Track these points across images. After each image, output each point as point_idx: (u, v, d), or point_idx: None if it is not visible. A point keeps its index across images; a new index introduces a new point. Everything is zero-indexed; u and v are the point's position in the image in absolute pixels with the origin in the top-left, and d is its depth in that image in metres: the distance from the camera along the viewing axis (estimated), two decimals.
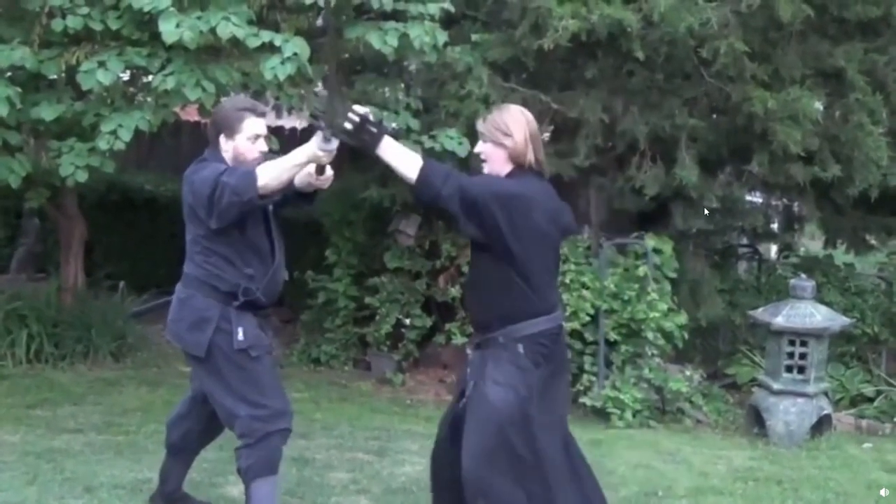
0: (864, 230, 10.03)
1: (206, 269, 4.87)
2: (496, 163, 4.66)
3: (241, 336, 4.83)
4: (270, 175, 4.60)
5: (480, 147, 4.71)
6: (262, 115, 4.92)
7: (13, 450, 6.49)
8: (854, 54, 8.34)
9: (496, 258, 4.54)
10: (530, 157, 4.62)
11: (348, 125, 4.41)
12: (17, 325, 8.86)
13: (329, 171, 4.78)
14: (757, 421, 8.06)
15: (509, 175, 4.63)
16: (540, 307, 4.58)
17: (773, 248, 11.65)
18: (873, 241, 10.23)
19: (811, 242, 11.64)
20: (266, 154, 4.96)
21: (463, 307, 5.26)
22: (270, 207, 4.97)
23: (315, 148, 4.51)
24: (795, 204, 9.90)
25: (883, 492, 6.41)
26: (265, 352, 4.94)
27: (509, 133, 4.61)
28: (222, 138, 4.88)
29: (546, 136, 9.63)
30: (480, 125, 4.71)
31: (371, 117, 4.48)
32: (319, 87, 8.42)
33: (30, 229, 11.72)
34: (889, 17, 8.37)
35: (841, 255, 10.72)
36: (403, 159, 4.50)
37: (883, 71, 8.48)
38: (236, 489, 5.73)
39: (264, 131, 4.92)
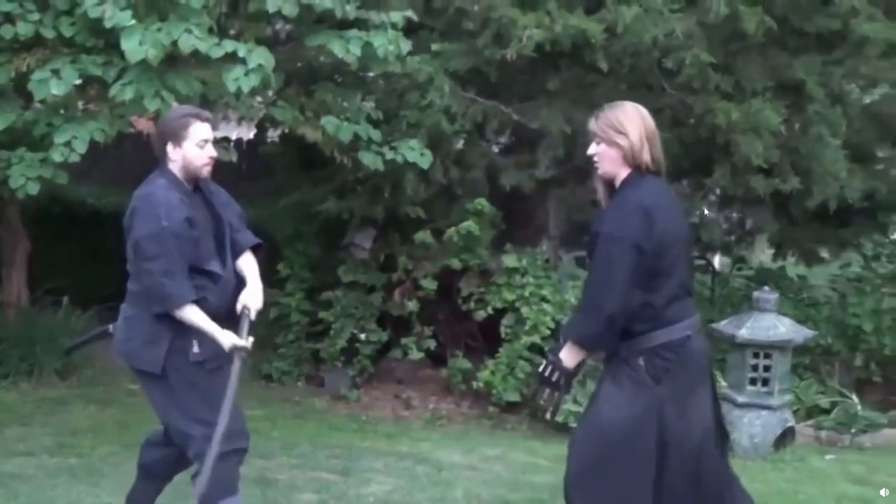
0: (818, 242, 10.03)
1: None
2: (610, 164, 4.35)
3: (196, 349, 4.66)
4: (190, 319, 4.59)
5: (594, 149, 4.39)
6: (207, 120, 4.79)
7: None
8: (813, 67, 8.33)
9: None
10: (646, 157, 4.31)
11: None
12: None
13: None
14: None
15: (626, 180, 4.34)
16: (663, 319, 4.29)
17: (720, 260, 11.60)
18: (825, 254, 10.24)
19: (759, 254, 11.63)
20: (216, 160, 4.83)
21: None
22: (231, 216, 4.90)
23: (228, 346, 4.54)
24: (748, 216, 9.88)
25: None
26: (220, 364, 4.72)
27: (623, 131, 4.30)
28: (170, 147, 4.72)
29: (495, 148, 9.55)
30: (592, 124, 4.40)
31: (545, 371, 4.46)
32: None
33: None
34: (846, 30, 8.34)
35: (792, 268, 10.72)
36: (574, 351, 4.39)
37: (840, 84, 8.49)
38: None
39: (211, 136, 4.77)
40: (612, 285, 4.21)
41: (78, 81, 6.80)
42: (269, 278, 9.31)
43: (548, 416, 4.63)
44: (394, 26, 7.24)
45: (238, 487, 4.83)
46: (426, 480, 6.66)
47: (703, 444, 4.42)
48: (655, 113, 8.13)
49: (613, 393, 4.37)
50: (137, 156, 11.02)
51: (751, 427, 7.74)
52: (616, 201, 4.38)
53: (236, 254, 4.87)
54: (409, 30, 8.10)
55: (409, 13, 7.35)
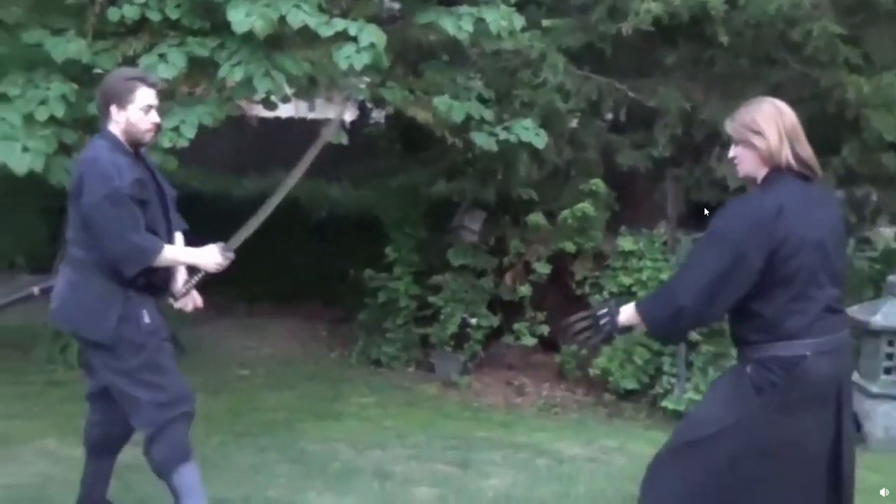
0: None
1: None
2: (749, 165, 4.04)
3: (146, 319, 4.64)
4: (168, 259, 4.63)
5: (733, 151, 4.11)
6: (153, 85, 4.72)
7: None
8: None
9: None
10: (786, 155, 3.97)
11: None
12: None
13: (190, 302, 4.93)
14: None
15: (765, 180, 4.01)
16: (776, 332, 3.94)
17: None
18: None
19: (878, 234, 11.17)
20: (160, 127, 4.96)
21: None
22: (169, 193, 4.86)
23: (217, 258, 4.65)
24: (873, 195, 9.46)
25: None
26: (164, 337, 4.72)
27: (759, 131, 3.99)
28: (113, 109, 4.64)
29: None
30: (728, 125, 4.10)
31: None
32: None
33: None
34: None
35: None
36: (635, 317, 4.19)
37: None
38: None
39: (156, 102, 4.69)
40: (696, 281, 3.97)
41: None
42: (376, 262, 9.18)
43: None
44: (505, 1, 6.99)
45: (190, 453, 4.75)
46: (547, 474, 6.44)
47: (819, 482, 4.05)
48: (776, 88, 7.94)
49: (717, 391, 4.20)
50: (235, 139, 10.96)
51: (886, 419, 7.40)
52: (740, 199, 4.14)
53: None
54: (517, 6, 7.88)
55: None
